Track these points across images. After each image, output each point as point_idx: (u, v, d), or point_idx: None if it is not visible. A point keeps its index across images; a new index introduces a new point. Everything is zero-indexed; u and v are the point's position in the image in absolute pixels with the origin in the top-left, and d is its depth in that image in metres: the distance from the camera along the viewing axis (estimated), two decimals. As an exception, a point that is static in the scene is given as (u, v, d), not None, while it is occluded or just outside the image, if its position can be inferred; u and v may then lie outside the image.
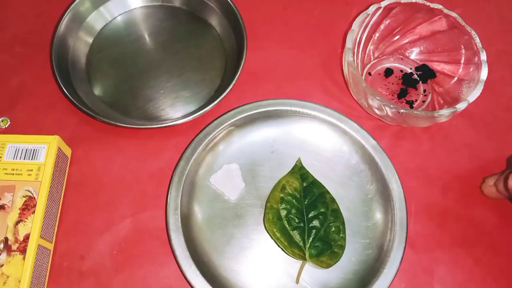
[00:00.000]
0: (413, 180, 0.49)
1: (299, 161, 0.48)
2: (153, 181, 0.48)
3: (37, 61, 0.54)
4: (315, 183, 0.47)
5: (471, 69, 0.49)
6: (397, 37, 0.54)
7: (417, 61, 0.55)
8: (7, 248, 0.41)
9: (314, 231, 0.44)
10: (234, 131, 0.49)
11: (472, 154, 0.51)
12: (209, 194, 0.47)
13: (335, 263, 0.43)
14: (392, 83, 0.54)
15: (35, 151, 0.45)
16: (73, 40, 0.54)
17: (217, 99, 0.49)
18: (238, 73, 0.50)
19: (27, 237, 0.41)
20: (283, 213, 0.44)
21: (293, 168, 0.48)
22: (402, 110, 0.45)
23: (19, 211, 0.42)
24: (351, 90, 0.52)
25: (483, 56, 0.47)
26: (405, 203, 0.46)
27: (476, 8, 0.60)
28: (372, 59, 0.55)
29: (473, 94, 0.46)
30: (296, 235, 0.44)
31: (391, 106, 0.46)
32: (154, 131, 0.51)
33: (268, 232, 0.45)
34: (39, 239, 0.42)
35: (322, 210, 0.45)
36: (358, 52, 0.53)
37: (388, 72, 0.54)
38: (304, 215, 0.45)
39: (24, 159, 0.45)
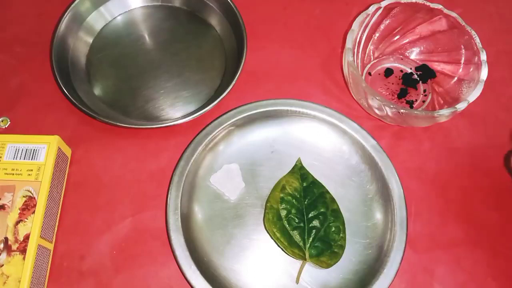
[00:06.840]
0: (413, 180, 0.49)
1: (299, 161, 0.48)
2: (153, 181, 0.48)
3: (37, 61, 0.54)
4: (315, 183, 0.47)
5: (471, 69, 0.49)
6: (397, 37, 0.54)
7: (417, 61, 0.55)
8: (7, 248, 0.41)
9: (314, 231, 0.44)
10: (234, 131, 0.49)
11: (472, 154, 0.51)
12: (209, 194, 0.47)
13: (335, 263, 0.43)
14: (392, 83, 0.54)
15: (35, 151, 0.45)
16: (73, 40, 0.54)
17: (217, 99, 0.49)
18: (238, 73, 0.50)
19: (27, 237, 0.41)
20: (283, 213, 0.44)
21: (293, 168, 0.48)
22: (402, 110, 0.45)
23: (19, 211, 0.42)
24: (351, 90, 0.52)
25: (483, 56, 0.47)
26: (405, 203, 0.46)
27: (476, 8, 0.60)
28: (372, 59, 0.55)
29: (473, 94, 0.46)
30: (296, 235, 0.44)
31: (391, 106, 0.46)
32: (154, 131, 0.51)
33: (268, 232, 0.45)
34: (39, 239, 0.42)
35: (322, 210, 0.45)
36: (358, 52, 0.53)
37: (388, 72, 0.54)
38: (304, 215, 0.45)
39: (24, 159, 0.45)
